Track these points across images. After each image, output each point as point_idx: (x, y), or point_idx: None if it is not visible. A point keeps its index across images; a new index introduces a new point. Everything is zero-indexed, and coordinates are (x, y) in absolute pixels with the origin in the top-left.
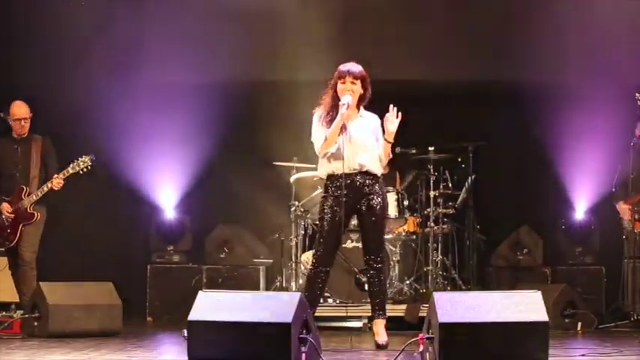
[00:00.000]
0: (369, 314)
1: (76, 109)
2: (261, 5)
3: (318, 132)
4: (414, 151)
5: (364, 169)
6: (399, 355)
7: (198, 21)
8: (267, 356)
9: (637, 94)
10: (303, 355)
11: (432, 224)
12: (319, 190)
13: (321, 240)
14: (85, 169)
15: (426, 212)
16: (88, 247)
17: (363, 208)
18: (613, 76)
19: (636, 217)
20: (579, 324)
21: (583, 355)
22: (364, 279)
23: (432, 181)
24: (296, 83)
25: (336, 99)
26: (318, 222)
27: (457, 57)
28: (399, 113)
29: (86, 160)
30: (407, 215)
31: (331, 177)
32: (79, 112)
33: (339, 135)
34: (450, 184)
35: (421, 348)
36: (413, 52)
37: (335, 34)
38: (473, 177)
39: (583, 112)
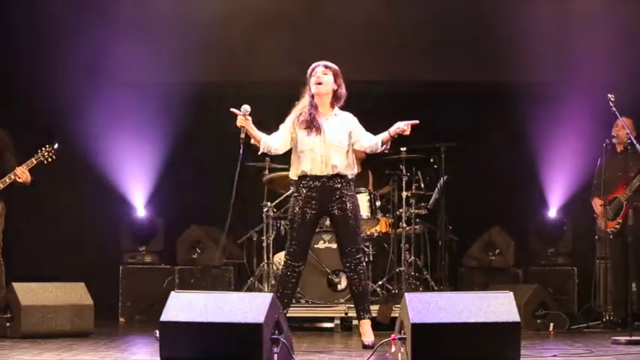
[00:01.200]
0: (342, 315)
1: (43, 107)
2: (235, 5)
3: (280, 130)
4: (386, 152)
5: (336, 171)
6: (371, 355)
7: (170, 22)
8: (240, 357)
9: (609, 95)
10: (275, 355)
11: (404, 225)
12: (291, 190)
13: (293, 241)
14: (49, 159)
15: (398, 213)
16: (60, 248)
17: (336, 211)
18: (586, 76)
19: (609, 215)
20: (551, 324)
21: (555, 355)
22: (337, 280)
23: (404, 182)
24: (268, 83)
25: (308, 98)
26: (289, 223)
27: (430, 57)
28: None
29: (50, 149)
30: (379, 216)
31: (302, 177)
32: (47, 109)
33: (315, 135)
34: (422, 185)
35: (393, 348)
36: (383, 52)
37: (304, 34)
38: (445, 178)
39: (556, 112)
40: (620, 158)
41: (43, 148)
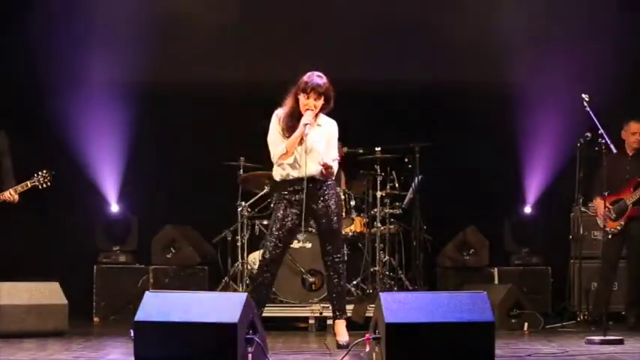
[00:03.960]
0: (317, 315)
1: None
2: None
3: (277, 138)
4: (360, 152)
5: (316, 178)
6: (345, 354)
7: (149, 21)
8: (214, 356)
9: (584, 95)
10: (250, 355)
11: (379, 224)
12: (266, 190)
13: (273, 243)
14: (44, 184)
15: (372, 212)
16: (33, 247)
17: (320, 211)
18: (561, 76)
19: (612, 216)
20: (526, 324)
21: (529, 355)
22: (311, 279)
23: (378, 182)
24: (244, 83)
25: (297, 110)
26: (270, 225)
27: (404, 57)
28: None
29: (46, 174)
30: (354, 215)
31: (285, 181)
32: (20, 105)
33: (298, 144)
34: (397, 185)
35: (368, 348)
36: (358, 51)
37: (284, 35)
38: (419, 177)
39: (531, 112)
40: (630, 161)
41: (40, 173)
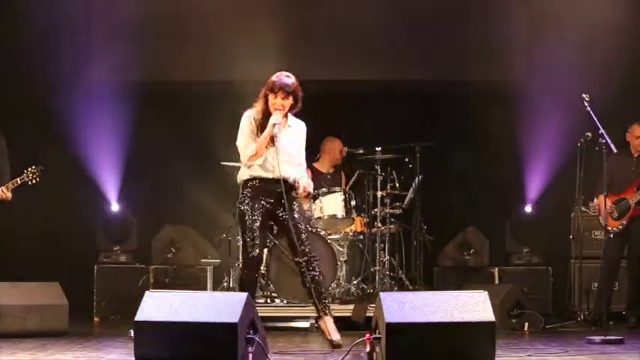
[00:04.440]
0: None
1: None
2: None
3: (247, 140)
4: (361, 152)
5: (284, 178)
6: (346, 355)
7: (147, 19)
8: (214, 356)
9: (584, 95)
10: (250, 355)
11: (379, 224)
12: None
13: (251, 243)
14: (34, 180)
15: (373, 212)
16: (34, 247)
17: (284, 214)
18: (562, 76)
19: (615, 215)
20: (526, 324)
21: (530, 355)
22: None
23: (379, 182)
24: (243, 83)
25: (267, 110)
26: (246, 225)
27: (404, 57)
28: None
29: (35, 170)
30: (354, 215)
31: (254, 181)
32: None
33: (267, 147)
34: (397, 185)
35: (368, 348)
36: (359, 51)
37: (279, 35)
38: (420, 177)
39: (531, 111)
40: (635, 162)
41: (29, 169)
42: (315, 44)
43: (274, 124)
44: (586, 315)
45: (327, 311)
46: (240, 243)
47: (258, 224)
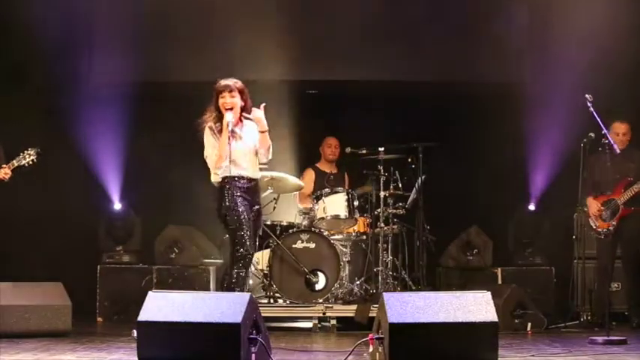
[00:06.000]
0: (320, 314)
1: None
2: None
3: (212, 148)
4: (364, 152)
5: (246, 175)
6: (349, 355)
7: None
8: (217, 356)
9: (587, 95)
10: (253, 355)
11: (382, 225)
12: (269, 191)
13: (246, 238)
14: (30, 162)
15: (376, 213)
16: (37, 248)
17: (254, 214)
18: (565, 76)
19: (603, 216)
20: (529, 324)
21: (532, 355)
22: (314, 279)
23: (382, 182)
24: (244, 83)
25: (220, 115)
26: (234, 227)
27: (408, 57)
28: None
29: (32, 152)
30: (357, 216)
31: (229, 179)
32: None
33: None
34: (400, 185)
35: (371, 348)
36: (361, 51)
37: (285, 35)
38: (423, 177)
39: (534, 111)
40: (618, 161)
41: (26, 151)
42: (318, 44)
43: (228, 122)
44: (589, 315)
45: None
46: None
47: (243, 222)
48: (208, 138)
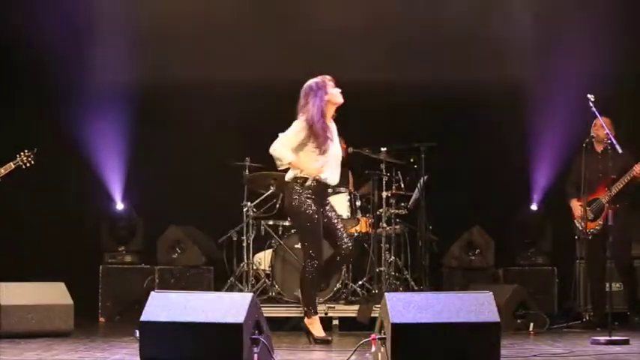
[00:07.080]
0: (322, 314)
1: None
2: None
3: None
4: (366, 152)
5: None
6: (351, 355)
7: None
8: (219, 357)
9: (589, 95)
10: (255, 355)
11: (385, 225)
12: (271, 190)
13: (316, 240)
14: (28, 164)
15: (378, 213)
16: (39, 247)
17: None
18: (567, 76)
19: (590, 216)
20: (531, 324)
21: (535, 355)
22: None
23: (384, 182)
24: (248, 83)
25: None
26: (308, 223)
27: (410, 57)
28: None
29: (29, 153)
30: (359, 216)
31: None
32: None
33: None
34: (402, 185)
35: (373, 348)
36: (364, 51)
37: (289, 35)
38: (425, 178)
39: (536, 111)
40: (600, 159)
41: (22, 153)
42: (320, 44)
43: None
44: (591, 315)
45: (314, 311)
46: (246, 243)
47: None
48: (297, 132)
